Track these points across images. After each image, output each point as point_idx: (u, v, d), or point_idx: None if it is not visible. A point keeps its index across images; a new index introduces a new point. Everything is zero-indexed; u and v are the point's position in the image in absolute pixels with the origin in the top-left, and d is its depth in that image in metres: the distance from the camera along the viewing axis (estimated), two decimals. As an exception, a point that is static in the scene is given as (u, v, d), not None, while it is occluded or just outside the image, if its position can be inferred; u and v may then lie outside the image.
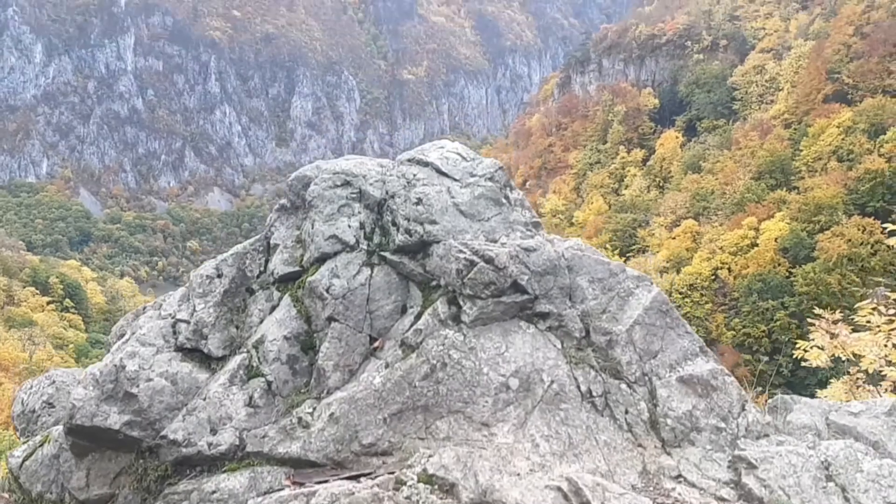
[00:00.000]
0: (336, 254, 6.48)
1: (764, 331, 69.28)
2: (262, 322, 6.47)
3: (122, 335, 7.31)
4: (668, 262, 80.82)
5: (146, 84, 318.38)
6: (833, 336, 13.20)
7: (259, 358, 6.31)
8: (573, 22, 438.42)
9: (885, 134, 77.33)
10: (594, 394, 5.59)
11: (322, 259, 6.52)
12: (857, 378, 13.33)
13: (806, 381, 57.20)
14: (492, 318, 5.81)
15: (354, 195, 6.54)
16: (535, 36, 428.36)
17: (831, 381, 12.61)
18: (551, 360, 5.68)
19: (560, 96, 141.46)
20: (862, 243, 68.83)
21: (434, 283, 6.19)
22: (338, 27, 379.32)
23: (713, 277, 76.93)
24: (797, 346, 13.61)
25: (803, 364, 13.76)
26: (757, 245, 75.19)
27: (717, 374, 5.75)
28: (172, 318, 6.62)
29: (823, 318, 12.66)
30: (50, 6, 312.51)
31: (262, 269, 7.00)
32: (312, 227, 6.66)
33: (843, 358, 13.04)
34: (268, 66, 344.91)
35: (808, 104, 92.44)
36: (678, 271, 78.92)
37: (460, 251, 5.92)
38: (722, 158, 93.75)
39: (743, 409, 5.66)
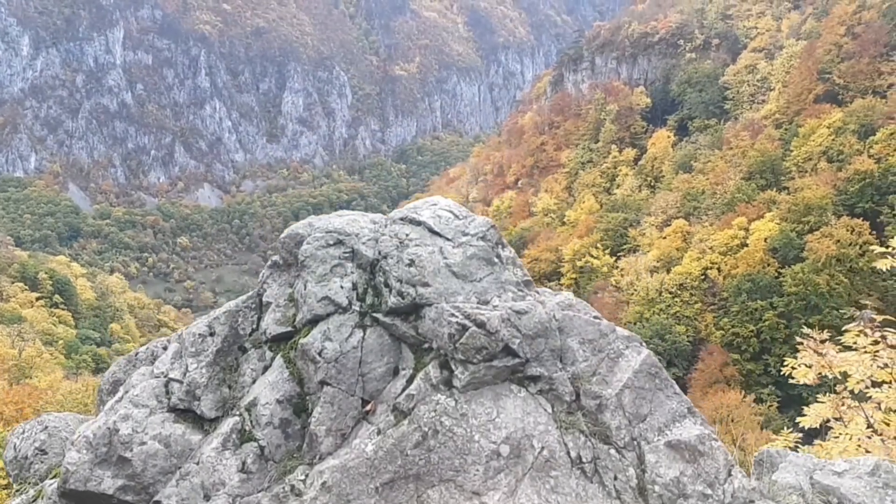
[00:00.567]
0: (328, 315, 6.46)
1: (752, 331, 69.67)
2: (254, 382, 6.49)
3: (116, 382, 7.31)
4: (658, 261, 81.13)
5: (135, 78, 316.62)
6: (820, 355, 13.38)
7: (252, 421, 6.29)
8: (566, 19, 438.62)
9: (874, 135, 77.74)
10: (584, 459, 5.63)
11: (314, 321, 6.51)
12: (844, 398, 13.48)
13: (792, 380, 57.70)
14: (483, 383, 5.84)
15: (347, 254, 6.53)
16: (528, 33, 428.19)
17: (818, 395, 12.81)
18: (542, 426, 5.70)
19: (553, 94, 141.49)
20: (851, 244, 69.25)
21: (426, 345, 6.18)
22: (329, 22, 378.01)
23: (703, 277, 77.29)
24: (785, 362, 13.81)
25: (790, 381, 13.98)
26: (747, 245, 75.54)
27: (705, 440, 5.80)
28: (165, 377, 6.63)
29: (811, 337, 12.86)
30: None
31: (254, 326, 6.99)
32: (305, 288, 6.64)
33: (830, 376, 13.23)
34: (258, 60, 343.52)
35: (798, 104, 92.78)
36: (668, 271, 79.25)
37: (452, 315, 5.93)
38: (713, 158, 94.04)
39: (729, 474, 5.72)
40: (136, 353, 7.76)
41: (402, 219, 6.75)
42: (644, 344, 6.28)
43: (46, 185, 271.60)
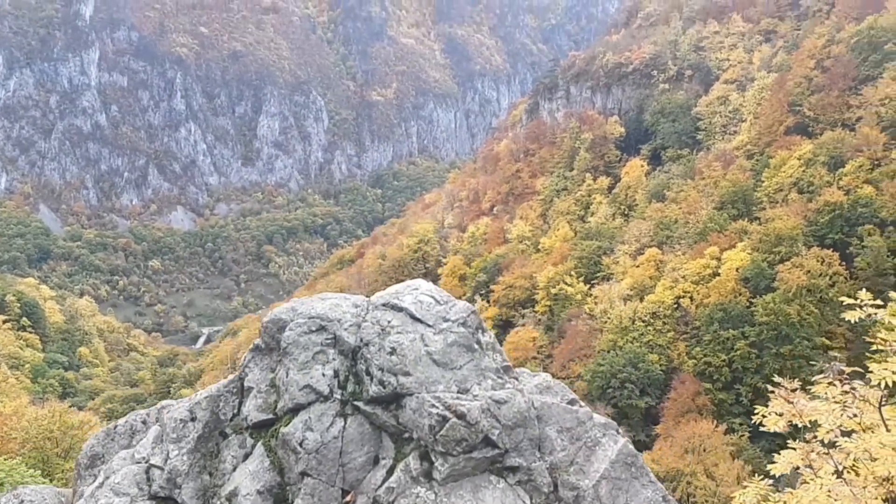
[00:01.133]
0: (310, 404, 6.42)
1: (724, 360, 70.21)
2: (235, 470, 6.39)
3: (94, 456, 7.21)
4: (631, 289, 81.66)
5: (110, 100, 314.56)
6: (791, 403, 13.56)
7: (232, 512, 6.20)
8: (542, 48, 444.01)
9: (843, 167, 79.23)
10: (562, 552, 5.65)
11: (296, 409, 6.46)
12: (813, 447, 13.66)
13: (763, 428, 58.07)
14: (463, 475, 5.81)
15: (329, 341, 6.53)
16: (505, 61, 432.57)
17: (788, 440, 12.90)
18: (520, 518, 5.72)
19: (528, 122, 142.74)
20: (821, 275, 70.22)
21: (407, 435, 6.14)
22: (306, 46, 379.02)
23: (676, 306, 77.86)
24: (756, 410, 14.00)
25: (761, 428, 14.12)
26: (719, 274, 76.30)
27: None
28: (146, 462, 6.52)
29: (782, 386, 13.07)
30: (12, 18, 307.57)
31: (235, 411, 6.92)
32: (287, 376, 6.62)
33: (800, 425, 13.41)
34: (234, 83, 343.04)
35: (769, 135, 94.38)
36: (641, 299, 79.76)
37: (433, 405, 5.96)
38: (686, 188, 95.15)
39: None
40: (115, 427, 7.65)
41: (384, 304, 6.75)
42: (620, 431, 6.35)
43: (17, 205, 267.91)
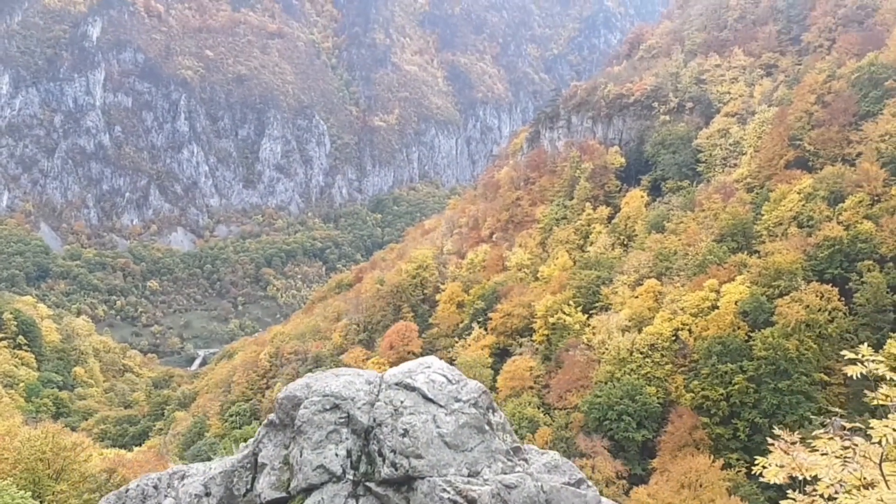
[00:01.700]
0: (323, 484, 6.52)
1: (722, 394, 69.55)
2: (247, 550, 6.49)
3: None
4: (630, 320, 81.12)
5: (114, 120, 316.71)
6: (791, 456, 13.16)
7: None
8: (544, 77, 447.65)
9: (843, 202, 79.17)
10: None
11: (309, 490, 6.55)
12: (814, 500, 13.28)
13: (762, 447, 57.50)
14: (473, 562, 5.85)
15: (343, 420, 6.67)
16: (507, 89, 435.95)
17: (787, 491, 12.46)
18: None
19: (529, 150, 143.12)
20: (820, 310, 69.79)
21: (418, 517, 6.18)
22: (311, 71, 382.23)
23: (674, 338, 77.30)
24: (756, 461, 13.54)
25: (759, 476, 13.66)
26: (717, 307, 75.85)
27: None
28: (166, 536, 6.57)
29: (782, 438, 12.65)
30: (20, 38, 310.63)
31: (248, 486, 7.06)
32: (301, 455, 6.71)
33: (800, 478, 13.01)
34: (238, 107, 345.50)
35: (770, 169, 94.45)
36: (640, 330, 79.21)
37: (444, 490, 6.03)
38: (685, 219, 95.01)
39: None
40: (127, 491, 7.75)
41: (397, 384, 6.90)
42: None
43: (17, 223, 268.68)
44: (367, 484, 6.49)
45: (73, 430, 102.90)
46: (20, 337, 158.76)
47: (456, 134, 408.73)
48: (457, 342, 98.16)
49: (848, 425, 12.06)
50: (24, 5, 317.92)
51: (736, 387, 68.42)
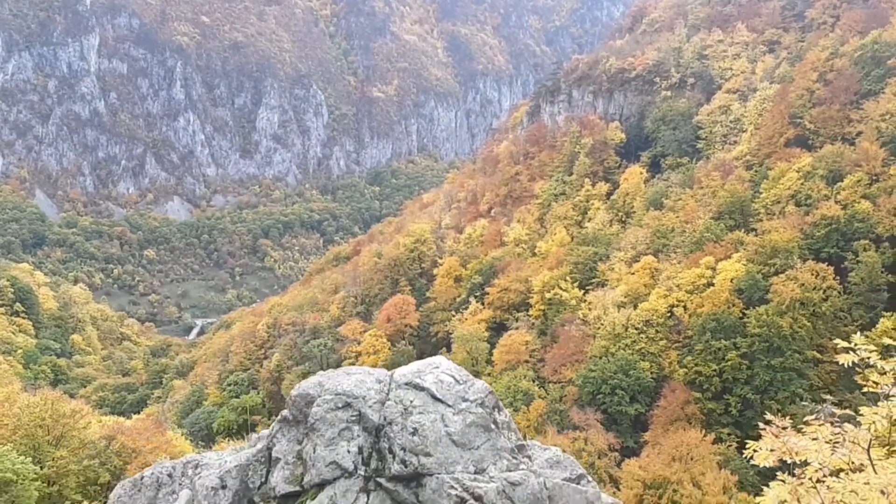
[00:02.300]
0: (335, 479, 6.86)
1: (715, 370, 70.24)
2: (262, 539, 6.84)
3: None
4: (626, 297, 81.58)
5: (109, 86, 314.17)
6: (781, 440, 13.50)
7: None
8: (545, 49, 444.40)
9: (842, 181, 79.31)
10: None
11: (322, 484, 6.88)
12: (802, 482, 13.64)
13: (753, 422, 58.12)
14: (479, 553, 6.20)
15: (354, 418, 7.04)
16: (507, 61, 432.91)
17: (777, 473, 12.81)
18: None
19: (529, 125, 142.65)
20: (815, 288, 70.25)
21: (426, 512, 6.55)
22: (308, 40, 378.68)
23: (669, 314, 77.83)
24: (748, 445, 13.83)
25: (751, 462, 13.96)
26: (713, 285, 76.28)
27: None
28: (180, 527, 6.95)
29: (774, 423, 12.99)
30: (11, 0, 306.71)
31: (263, 479, 7.42)
32: (314, 452, 7.05)
33: (789, 461, 13.36)
34: (235, 74, 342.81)
35: (770, 147, 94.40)
36: (635, 307, 79.72)
37: (452, 486, 6.35)
38: (684, 196, 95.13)
39: None
40: (142, 478, 8.09)
41: (406, 383, 7.29)
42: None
43: (13, 190, 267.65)
44: (378, 480, 6.82)
45: (72, 397, 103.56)
46: (17, 304, 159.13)
47: (455, 106, 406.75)
48: (454, 316, 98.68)
49: (838, 412, 12.37)
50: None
51: (729, 363, 69.11)
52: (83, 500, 35.25)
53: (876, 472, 11.49)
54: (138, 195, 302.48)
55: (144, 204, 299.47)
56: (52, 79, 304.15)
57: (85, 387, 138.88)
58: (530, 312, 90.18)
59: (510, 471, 6.54)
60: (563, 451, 7.69)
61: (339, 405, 7.10)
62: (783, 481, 13.54)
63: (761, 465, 13.21)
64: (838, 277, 70.86)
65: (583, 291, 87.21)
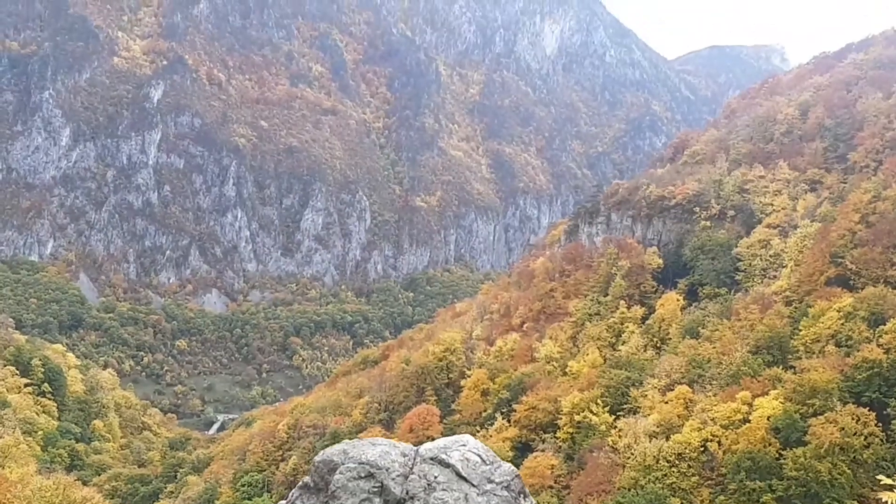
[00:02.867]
0: None
1: (751, 513, 66.84)
2: None
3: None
4: (658, 426, 79.02)
5: (164, 179, 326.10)
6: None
7: None
8: (586, 173, 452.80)
9: (884, 324, 77.32)
10: None
11: None
12: None
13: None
14: None
15: (376, 489, 6.73)
16: (548, 181, 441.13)
17: None
18: None
19: (566, 243, 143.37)
20: (855, 433, 67.38)
21: None
22: (359, 149, 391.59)
23: (702, 449, 74.99)
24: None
25: None
26: (749, 421, 73.66)
27: None
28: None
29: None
30: (85, 94, 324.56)
31: None
32: None
33: None
34: (286, 176, 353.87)
35: (810, 284, 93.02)
36: (668, 438, 77.09)
37: None
38: (721, 327, 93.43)
39: None
40: None
41: (431, 458, 6.95)
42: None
43: (58, 272, 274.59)
44: (396, 555, 6.35)
45: (85, 484, 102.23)
46: (45, 385, 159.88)
47: (495, 220, 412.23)
48: (478, 431, 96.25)
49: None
50: (94, 64, 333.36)
51: (764, 506, 65.76)
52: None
53: None
54: (178, 285, 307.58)
55: (183, 294, 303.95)
56: (112, 168, 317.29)
57: (99, 474, 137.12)
58: (558, 434, 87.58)
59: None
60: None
61: (362, 475, 6.75)
62: None
63: None
64: (880, 424, 67.98)
65: (613, 417, 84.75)
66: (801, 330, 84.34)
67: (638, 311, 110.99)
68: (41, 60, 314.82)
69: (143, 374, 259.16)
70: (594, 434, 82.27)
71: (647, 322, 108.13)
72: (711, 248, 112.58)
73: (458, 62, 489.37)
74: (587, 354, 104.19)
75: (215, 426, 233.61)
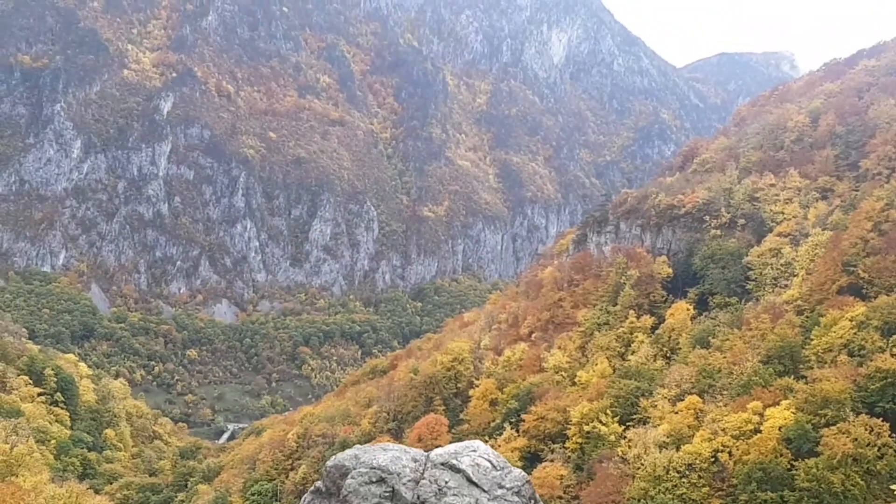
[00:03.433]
0: None
1: (763, 524, 66.25)
2: None
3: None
4: (668, 436, 78.52)
5: (174, 191, 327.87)
6: None
7: None
8: (594, 182, 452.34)
9: (897, 334, 76.67)
10: None
11: None
12: None
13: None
14: None
15: (387, 494, 6.71)
16: (556, 190, 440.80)
17: None
18: None
19: (575, 252, 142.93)
20: (869, 444, 66.75)
21: None
22: (367, 159, 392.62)
23: (713, 459, 74.45)
24: None
25: None
26: (760, 431, 73.07)
27: None
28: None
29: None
30: (96, 106, 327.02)
31: None
32: None
33: None
34: (294, 187, 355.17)
35: (821, 293, 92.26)
36: (678, 448, 76.57)
37: None
38: (731, 337, 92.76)
39: None
40: None
41: (442, 464, 6.91)
42: None
43: (70, 282, 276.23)
44: (407, 558, 6.31)
45: (97, 492, 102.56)
46: (58, 394, 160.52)
47: (502, 230, 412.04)
48: (487, 441, 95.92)
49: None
50: (105, 77, 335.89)
51: (776, 518, 65.17)
52: None
53: None
54: (188, 295, 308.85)
55: (193, 304, 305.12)
56: (123, 180, 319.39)
57: (111, 483, 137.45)
58: (567, 445, 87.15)
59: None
60: None
61: (374, 479, 6.75)
62: None
63: None
64: (894, 435, 67.30)
65: (623, 427, 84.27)
66: (812, 339, 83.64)
67: (647, 320, 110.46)
68: (52, 73, 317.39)
69: (154, 383, 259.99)
70: (603, 444, 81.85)
71: (657, 332, 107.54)
72: (721, 256, 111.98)
73: (465, 72, 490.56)
74: (596, 364, 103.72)
75: (225, 435, 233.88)
